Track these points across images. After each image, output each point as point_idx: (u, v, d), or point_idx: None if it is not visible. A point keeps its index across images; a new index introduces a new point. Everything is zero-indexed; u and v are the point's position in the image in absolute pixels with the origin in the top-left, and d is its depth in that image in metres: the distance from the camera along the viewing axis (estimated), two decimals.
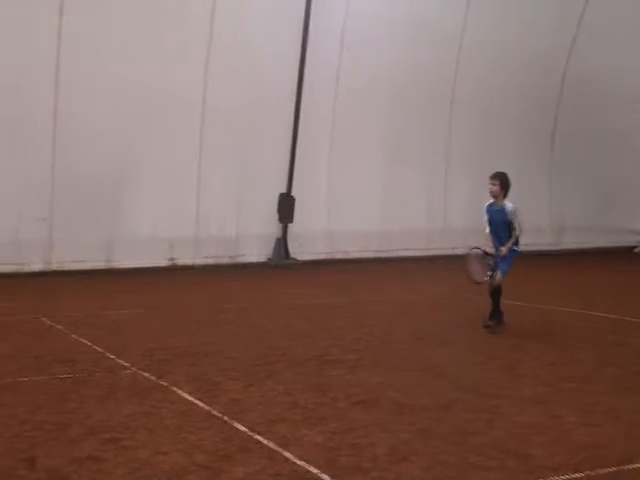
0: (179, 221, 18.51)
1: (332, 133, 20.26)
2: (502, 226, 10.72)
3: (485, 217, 10.92)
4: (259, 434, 6.26)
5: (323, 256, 20.30)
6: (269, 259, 19.62)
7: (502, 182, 10.66)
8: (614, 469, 5.55)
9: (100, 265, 17.51)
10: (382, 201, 21.14)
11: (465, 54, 21.44)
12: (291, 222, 19.77)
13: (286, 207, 19.69)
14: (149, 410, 7.01)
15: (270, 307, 13.48)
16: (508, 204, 10.66)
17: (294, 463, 5.64)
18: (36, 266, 17.00)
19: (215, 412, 6.90)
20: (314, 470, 5.50)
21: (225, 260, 19.17)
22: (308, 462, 5.62)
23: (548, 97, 22.95)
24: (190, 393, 7.51)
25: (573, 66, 22.79)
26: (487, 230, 10.96)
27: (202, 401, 7.25)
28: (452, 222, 21.96)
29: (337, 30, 19.69)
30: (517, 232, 10.63)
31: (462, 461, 5.71)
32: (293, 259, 19.76)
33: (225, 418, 6.72)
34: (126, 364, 8.78)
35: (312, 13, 18.95)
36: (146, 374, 8.30)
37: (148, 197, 18.05)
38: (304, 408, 7.06)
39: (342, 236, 20.44)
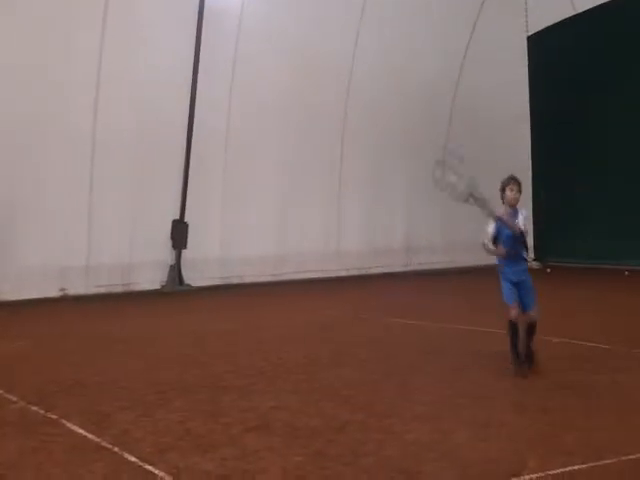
0: (70, 250, 18.19)
1: (225, 158, 20.27)
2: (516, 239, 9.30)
3: (491, 234, 9.26)
4: (150, 464, 6.18)
5: (218, 281, 20.22)
6: (163, 286, 19.43)
7: (520, 186, 9.30)
8: None
9: None
10: (277, 225, 21.23)
11: (355, 81, 21.78)
12: (185, 248, 19.64)
13: (179, 233, 19.56)
14: (37, 445, 6.84)
15: (163, 335, 13.33)
16: (522, 210, 9.33)
17: None
18: None
19: (105, 443, 6.78)
20: None
21: (118, 288, 18.91)
22: None
23: (439, 121, 23.49)
24: (80, 425, 7.36)
25: (461, 91, 23.41)
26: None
27: (92, 433, 7.11)
28: (345, 245, 22.20)
29: (228, 56, 19.78)
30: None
31: None
32: (187, 285, 19.62)
33: (115, 449, 6.61)
34: (14, 398, 8.54)
35: (202, 45, 19.01)
36: (35, 408, 8.10)
37: (38, 227, 17.68)
38: (196, 436, 7.00)
39: (237, 261, 20.41)
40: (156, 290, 19.36)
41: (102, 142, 18.28)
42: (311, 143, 21.54)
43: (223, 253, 20.23)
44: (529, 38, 24.67)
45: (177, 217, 19.61)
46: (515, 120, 24.43)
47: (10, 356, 11.39)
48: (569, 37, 23.02)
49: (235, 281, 20.47)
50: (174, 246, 19.60)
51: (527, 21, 24.43)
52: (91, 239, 18.47)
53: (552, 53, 23.72)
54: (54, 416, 7.75)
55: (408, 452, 6.41)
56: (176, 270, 19.61)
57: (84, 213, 18.33)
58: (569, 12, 22.90)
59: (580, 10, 22.70)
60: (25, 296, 17.29)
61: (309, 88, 20.90)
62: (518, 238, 9.22)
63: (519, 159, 24.65)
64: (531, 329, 9.41)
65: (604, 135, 22.96)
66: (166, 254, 19.64)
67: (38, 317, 16.02)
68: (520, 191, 9.26)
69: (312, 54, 20.66)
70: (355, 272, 22.17)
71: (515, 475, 5.81)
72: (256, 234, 20.65)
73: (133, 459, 6.34)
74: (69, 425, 7.42)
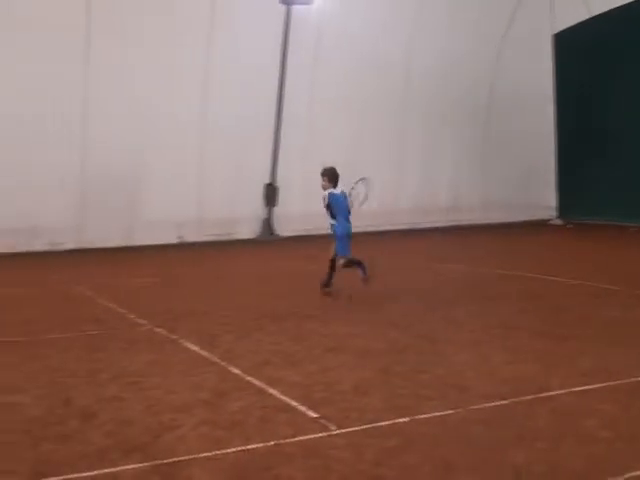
0: (186, 206, 18.41)
1: (305, 138, 20.17)
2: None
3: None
4: (250, 375, 6.27)
5: (302, 232, 20.22)
6: (257, 236, 19.56)
7: (329, 177, 10.50)
8: (531, 397, 5.61)
9: (121, 243, 17.38)
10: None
11: (413, 73, 21.51)
12: (275, 206, 19.75)
13: (271, 194, 19.67)
14: (162, 358, 6.99)
15: (257, 274, 13.42)
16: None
17: (278, 398, 5.67)
18: (69, 245, 16.91)
19: (214, 359, 6.89)
20: (294, 403, 5.53)
21: (223, 237, 19.07)
22: (289, 397, 5.65)
23: (479, 104, 23.09)
24: (194, 344, 7.49)
25: (498, 78, 22.99)
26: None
27: (204, 350, 7.23)
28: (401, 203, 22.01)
29: (310, 52, 19.64)
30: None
31: (413, 394, 5.75)
32: (277, 235, 19.73)
33: (223, 363, 6.71)
34: (143, 322, 8.73)
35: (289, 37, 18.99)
36: (159, 330, 8.26)
37: (159, 187, 17.91)
38: (286, 354, 7.06)
39: (317, 216, 20.30)
40: (252, 239, 19.48)
41: (211, 124, 18.41)
42: (376, 123, 21.34)
43: (305, 209, 20.19)
44: (555, 36, 23.91)
45: (269, 181, 19.67)
46: (541, 101, 23.88)
47: (139, 290, 11.60)
48: (588, 36, 22.18)
49: (315, 232, 20.41)
50: (266, 204, 19.70)
51: (553, 20, 23.63)
52: (202, 198, 18.65)
53: (574, 51, 22.94)
54: (174, 336, 7.89)
55: (455, 371, 6.38)
56: (268, 223, 19.73)
57: (194, 177, 18.53)
58: (588, 14, 22.15)
59: (595, 13, 21.93)
60: (151, 242, 17.52)
61: (371, 83, 20.72)
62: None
63: (545, 134, 24.13)
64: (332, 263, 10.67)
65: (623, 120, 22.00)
66: (260, 210, 19.76)
67: (160, 259, 16.23)
68: (325, 180, 10.50)
69: (377, 51, 20.47)
70: (405, 227, 21.92)
71: (544, 391, 5.74)
72: None
73: (237, 371, 6.43)
74: (186, 344, 7.55)
